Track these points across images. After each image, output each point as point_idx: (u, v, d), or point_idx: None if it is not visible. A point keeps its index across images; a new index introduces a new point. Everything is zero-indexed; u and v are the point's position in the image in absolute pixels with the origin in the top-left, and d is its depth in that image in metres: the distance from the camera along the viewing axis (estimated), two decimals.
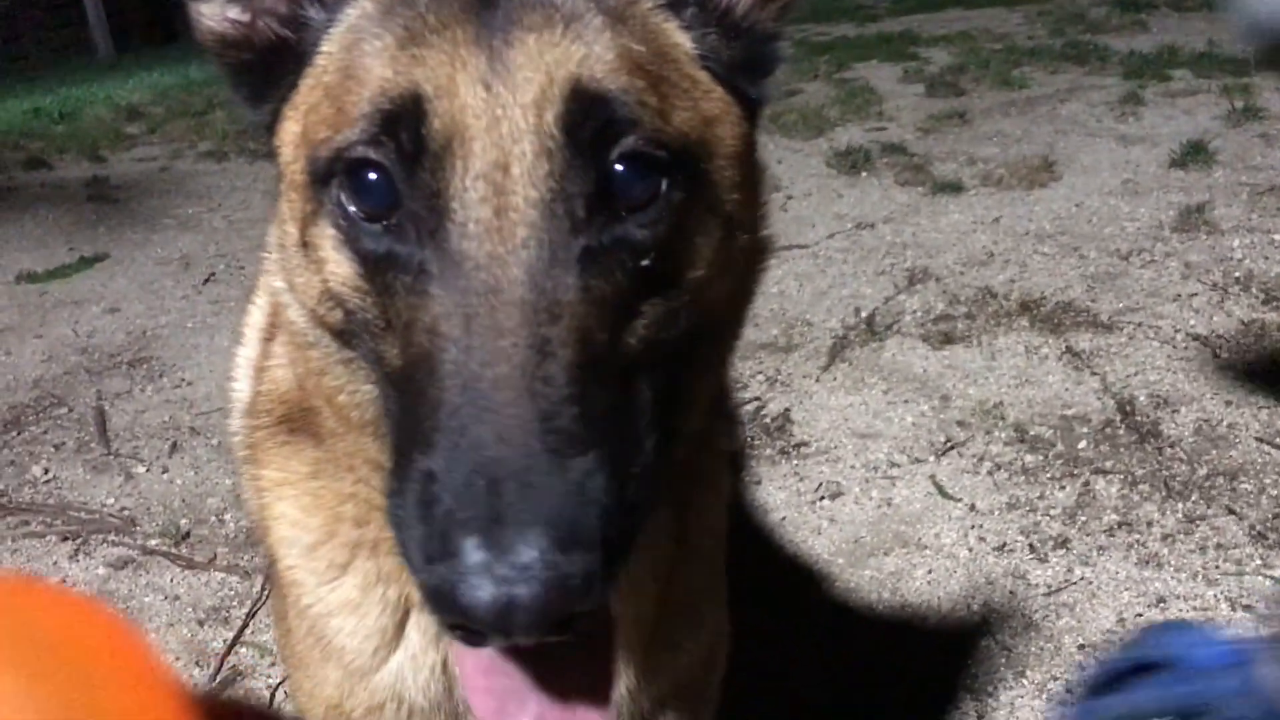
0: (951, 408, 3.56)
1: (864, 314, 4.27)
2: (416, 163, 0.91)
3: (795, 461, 3.36)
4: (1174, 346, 3.80)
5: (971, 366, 3.80)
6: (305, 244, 1.02)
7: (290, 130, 1.05)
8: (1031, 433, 3.38)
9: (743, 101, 1.08)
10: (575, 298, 0.86)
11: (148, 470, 3.62)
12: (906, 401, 3.62)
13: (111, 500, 3.45)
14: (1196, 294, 4.16)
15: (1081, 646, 2.53)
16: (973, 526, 2.99)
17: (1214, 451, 3.18)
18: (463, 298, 0.86)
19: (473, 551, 0.74)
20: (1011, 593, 2.73)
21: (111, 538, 3.25)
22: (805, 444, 3.45)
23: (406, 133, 0.91)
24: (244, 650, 2.74)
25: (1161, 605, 2.62)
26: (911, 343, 4.01)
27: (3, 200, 6.97)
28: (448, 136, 0.90)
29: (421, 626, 1.25)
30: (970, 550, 2.90)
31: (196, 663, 2.72)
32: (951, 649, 2.57)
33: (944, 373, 3.78)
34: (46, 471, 3.64)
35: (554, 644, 0.83)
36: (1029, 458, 3.26)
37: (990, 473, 3.21)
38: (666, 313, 0.96)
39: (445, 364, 0.85)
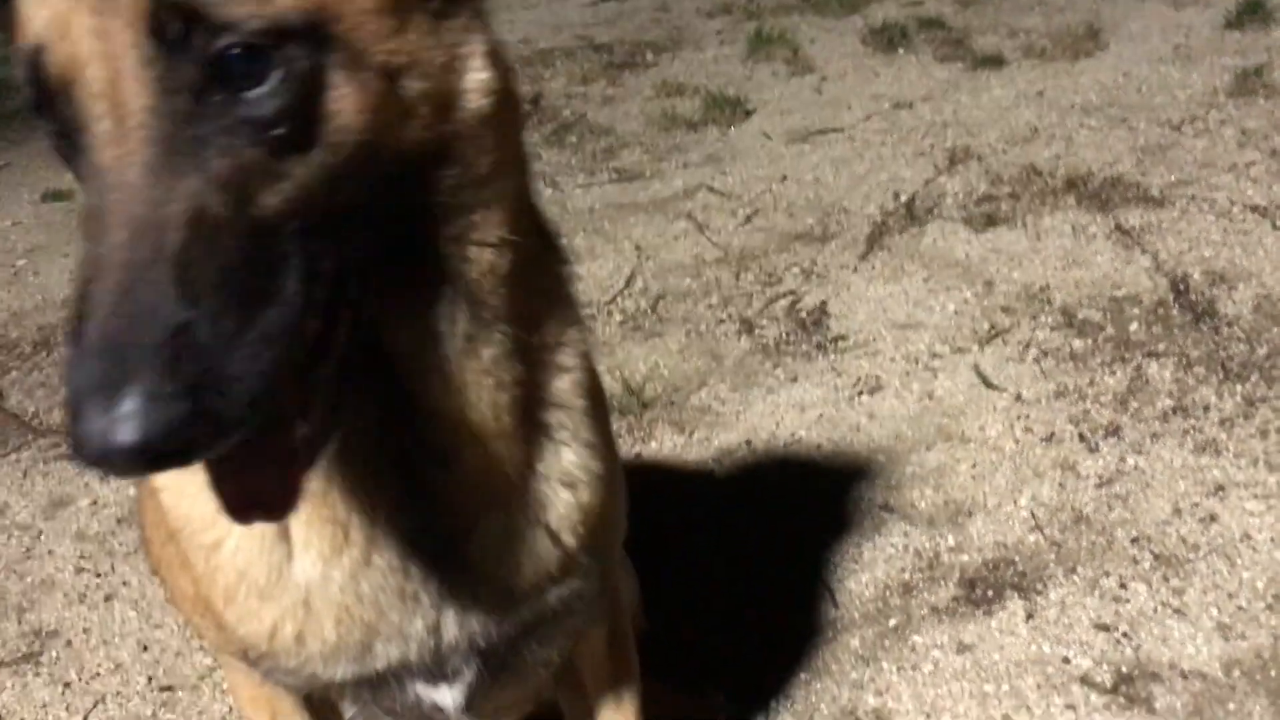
0: (995, 293, 3.42)
1: (903, 198, 4.10)
2: (52, 99, 1.00)
3: (832, 356, 3.25)
4: (1230, 219, 3.61)
5: (1016, 249, 3.64)
6: None
7: None
8: (1080, 316, 3.23)
9: None
10: (192, 179, 0.93)
11: None
12: (948, 289, 3.48)
13: None
14: (1254, 162, 3.95)
15: (1135, 540, 2.43)
16: (1019, 417, 2.87)
17: (1275, 329, 3.03)
18: (99, 198, 0.95)
19: (86, 405, 0.84)
20: (1060, 485, 2.63)
21: None
22: (843, 337, 3.33)
23: (39, 74, 1.00)
24: None
25: (1220, 494, 2.51)
26: (953, 227, 3.85)
27: (27, 122, 6.90)
28: (67, 77, 0.98)
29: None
30: (1017, 442, 2.79)
31: None
32: (998, 545, 2.49)
33: (987, 257, 3.63)
34: None
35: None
36: (1077, 343, 3.12)
37: (1037, 360, 3.08)
38: (320, 173, 0.99)
39: (86, 256, 0.93)
